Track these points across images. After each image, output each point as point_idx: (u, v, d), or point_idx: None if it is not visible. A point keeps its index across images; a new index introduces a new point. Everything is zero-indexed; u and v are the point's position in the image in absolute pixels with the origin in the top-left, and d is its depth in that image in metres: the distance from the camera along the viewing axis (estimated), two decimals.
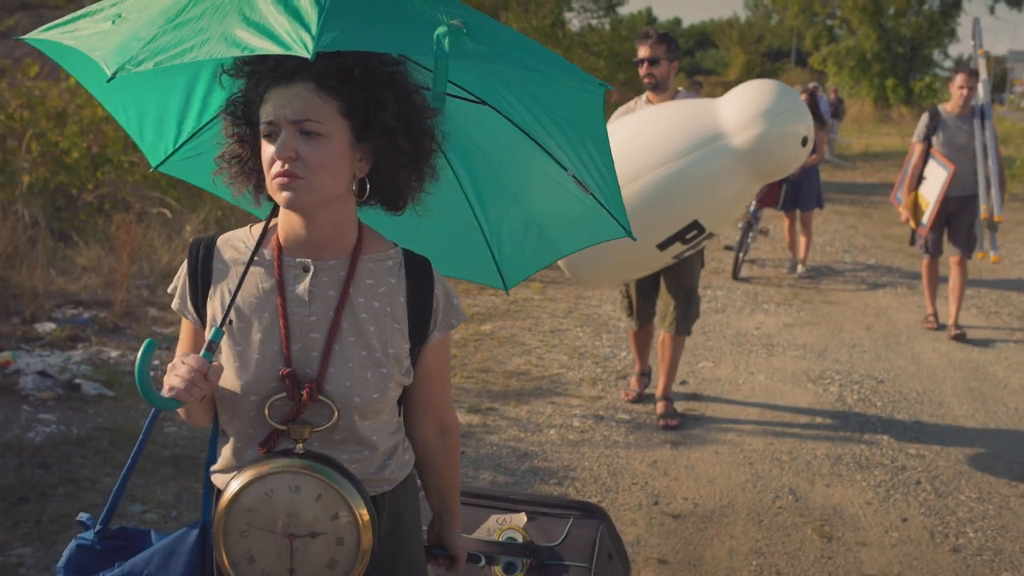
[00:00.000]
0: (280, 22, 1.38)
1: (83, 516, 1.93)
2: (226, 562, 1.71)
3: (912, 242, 7.27)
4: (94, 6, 1.75)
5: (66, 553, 1.89)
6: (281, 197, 1.64)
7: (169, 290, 1.83)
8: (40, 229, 7.67)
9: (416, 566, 1.92)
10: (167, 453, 4.43)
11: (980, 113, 6.71)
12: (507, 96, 1.87)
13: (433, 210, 1.91)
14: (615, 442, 4.73)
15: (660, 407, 5.06)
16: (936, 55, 38.76)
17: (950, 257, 6.85)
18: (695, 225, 4.30)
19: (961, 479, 4.41)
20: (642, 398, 5.34)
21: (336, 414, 1.70)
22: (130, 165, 9.21)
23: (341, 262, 1.75)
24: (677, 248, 4.39)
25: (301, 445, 1.70)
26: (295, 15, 1.38)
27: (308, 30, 1.35)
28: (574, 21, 24.78)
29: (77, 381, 5.26)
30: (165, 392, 1.59)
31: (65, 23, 1.75)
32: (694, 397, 5.43)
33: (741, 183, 4.34)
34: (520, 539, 2.52)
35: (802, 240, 9.02)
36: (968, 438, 4.93)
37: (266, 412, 1.70)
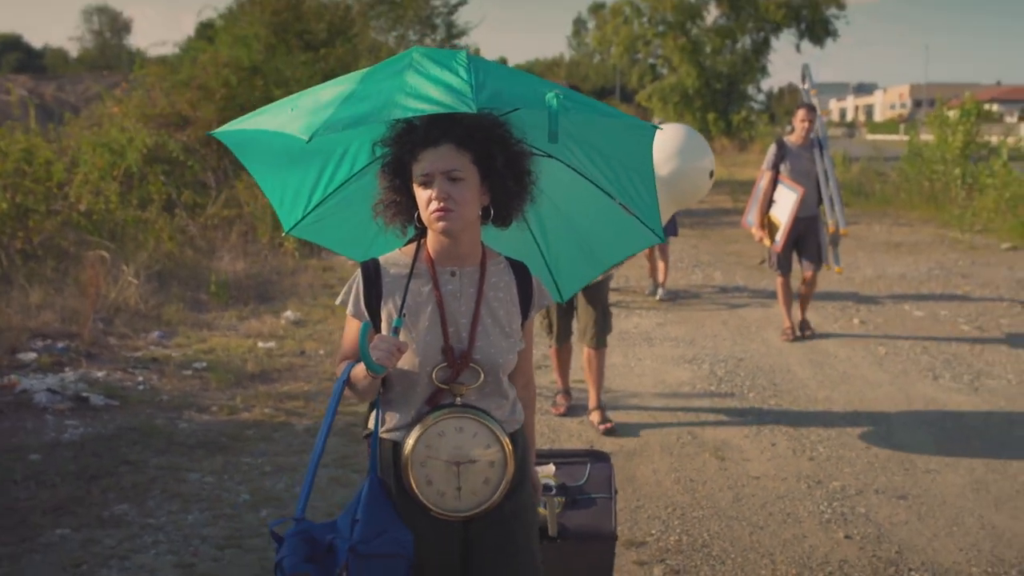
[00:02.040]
0: (438, 93, 2.02)
1: (273, 524, 2.35)
2: (413, 484, 2.29)
3: (764, 261, 8.05)
4: (268, 107, 2.39)
5: (287, 552, 2.15)
6: (439, 226, 2.23)
7: (338, 301, 2.39)
8: None
9: (528, 491, 2.49)
10: (192, 441, 5.40)
11: (819, 143, 7.72)
12: (572, 149, 2.50)
13: (504, 241, 2.55)
14: (547, 411, 5.98)
15: (596, 416, 5.68)
16: (751, 90, 41.38)
17: (804, 272, 7.82)
18: None
19: (810, 417, 5.87)
20: (570, 410, 5.92)
21: (482, 374, 2.30)
22: (50, 213, 9.94)
23: (475, 268, 2.36)
24: None
25: (459, 399, 2.30)
26: (449, 88, 2.03)
27: (467, 96, 2.00)
28: None
29: (84, 395, 6.13)
30: (375, 362, 2.13)
31: (245, 119, 2.39)
32: None
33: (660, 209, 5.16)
34: (553, 483, 3.33)
35: (661, 266, 9.89)
36: (811, 391, 6.42)
37: (433, 376, 2.28)
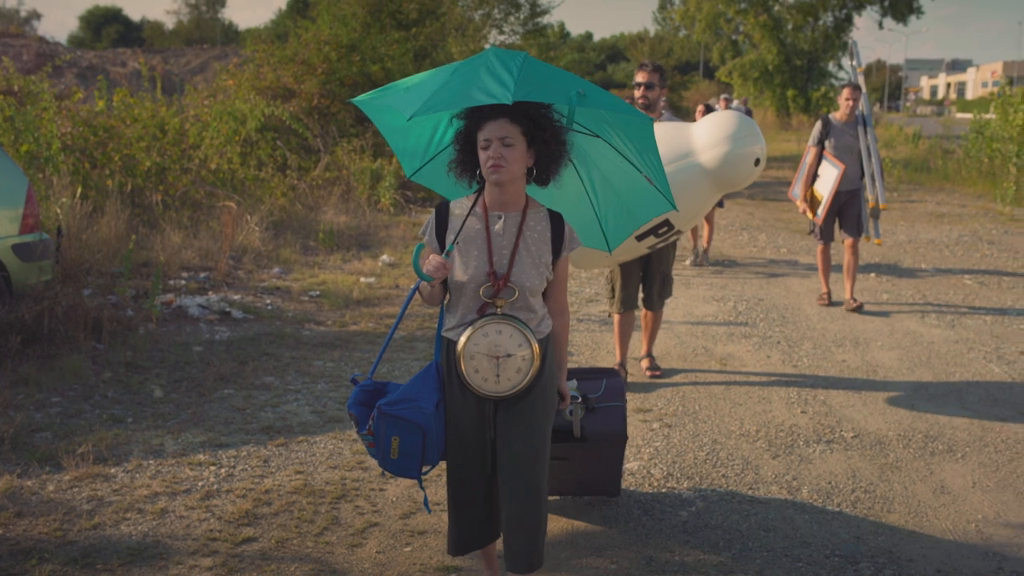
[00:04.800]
0: (492, 88, 2.70)
1: (354, 374, 3.22)
2: (464, 372, 2.95)
3: (811, 231, 8.50)
4: (394, 84, 3.14)
5: (352, 396, 3.06)
6: (492, 177, 2.88)
7: (420, 232, 3.10)
8: (140, 220, 10.14)
9: (552, 385, 3.14)
10: (315, 342, 6.99)
11: (863, 120, 8.08)
12: (611, 133, 3.18)
13: (567, 197, 3.28)
14: (596, 327, 7.43)
15: (646, 363, 6.35)
16: (831, 67, 41.48)
17: (844, 240, 8.25)
18: (666, 223, 5.23)
19: (804, 340, 7.24)
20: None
21: (517, 292, 2.94)
22: (183, 171, 11.68)
23: (518, 213, 2.99)
24: (651, 240, 5.38)
25: (499, 309, 2.95)
26: (502, 82, 2.70)
27: (509, 89, 2.67)
28: (502, 40, 27.46)
29: (227, 310, 7.78)
30: (424, 271, 2.80)
31: (377, 92, 3.13)
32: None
33: (705, 192, 5.25)
34: (577, 394, 4.00)
35: (705, 230, 10.55)
36: (812, 323, 7.76)
37: (480, 292, 2.94)
